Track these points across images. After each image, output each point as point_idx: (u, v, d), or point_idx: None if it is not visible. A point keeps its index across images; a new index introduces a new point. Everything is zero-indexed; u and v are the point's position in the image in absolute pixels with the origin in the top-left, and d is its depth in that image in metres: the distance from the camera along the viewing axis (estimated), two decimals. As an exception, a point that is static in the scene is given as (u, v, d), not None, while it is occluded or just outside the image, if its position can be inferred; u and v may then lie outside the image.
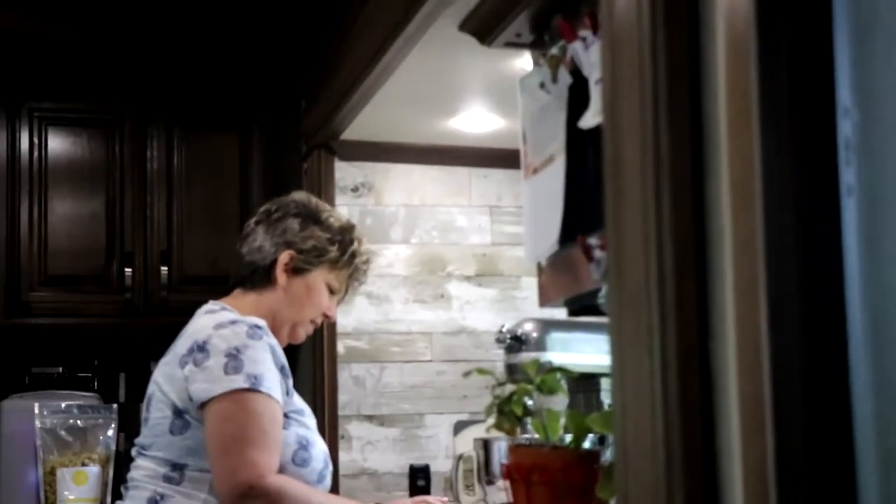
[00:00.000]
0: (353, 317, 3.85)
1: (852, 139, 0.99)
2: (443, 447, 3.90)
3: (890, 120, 0.97)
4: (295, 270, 2.64)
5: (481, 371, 2.17)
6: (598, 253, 1.78)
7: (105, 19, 3.99)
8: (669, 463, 1.13)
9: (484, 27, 2.36)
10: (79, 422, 3.98)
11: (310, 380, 3.74)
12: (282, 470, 2.39)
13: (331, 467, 2.59)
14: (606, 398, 3.25)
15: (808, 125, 1.02)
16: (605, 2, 1.32)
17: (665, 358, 1.14)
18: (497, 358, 3.64)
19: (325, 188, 3.84)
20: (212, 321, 2.47)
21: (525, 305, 4.02)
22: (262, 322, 2.47)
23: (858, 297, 0.99)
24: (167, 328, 3.91)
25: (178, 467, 2.42)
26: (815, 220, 1.02)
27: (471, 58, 2.99)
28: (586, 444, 1.95)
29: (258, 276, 2.64)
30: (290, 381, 2.48)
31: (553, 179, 2.01)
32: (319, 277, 2.66)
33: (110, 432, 4.00)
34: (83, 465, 3.92)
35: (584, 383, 2.94)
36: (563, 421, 2.00)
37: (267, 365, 2.40)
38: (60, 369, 4.30)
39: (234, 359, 2.37)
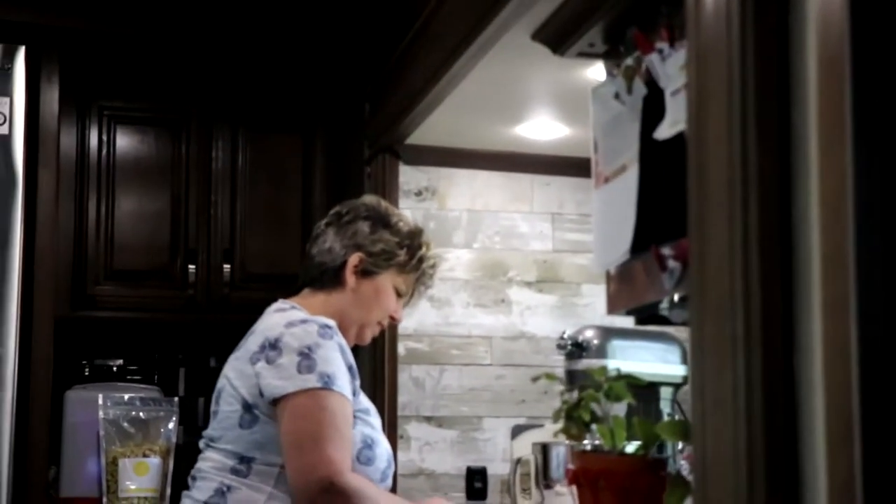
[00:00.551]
0: (415, 319, 3.88)
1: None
2: (500, 450, 3.92)
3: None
4: (364, 273, 2.67)
5: (550, 377, 2.20)
6: (671, 263, 1.80)
7: (174, 21, 4.04)
8: (751, 474, 1.15)
9: (557, 37, 2.38)
10: (141, 414, 4.04)
11: (370, 380, 3.77)
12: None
13: (393, 467, 2.63)
14: (666, 407, 3.26)
15: (903, 142, 1.04)
16: (691, 11, 1.33)
17: (749, 369, 1.16)
18: (556, 364, 3.66)
19: (389, 191, 3.87)
20: (283, 319, 2.51)
21: (585, 312, 4.04)
22: (331, 322, 2.51)
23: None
24: (228, 325, 3.99)
25: (245, 460, 2.46)
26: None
27: (539, 66, 3.01)
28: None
29: (327, 277, 2.68)
30: (357, 381, 2.52)
31: (625, 189, 2.03)
32: (387, 280, 2.69)
33: (171, 425, 4.05)
34: (144, 456, 3.98)
35: (643, 392, 2.95)
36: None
37: (338, 364, 2.44)
38: (121, 362, 4.37)
39: (306, 357, 2.41)
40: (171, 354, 4.55)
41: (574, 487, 2.00)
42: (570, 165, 4.02)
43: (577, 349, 3.16)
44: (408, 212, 3.75)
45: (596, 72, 2.91)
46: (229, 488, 2.46)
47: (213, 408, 2.60)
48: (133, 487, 3.93)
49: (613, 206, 2.08)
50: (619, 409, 2.46)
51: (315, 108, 4.33)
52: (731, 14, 1.23)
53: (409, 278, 2.73)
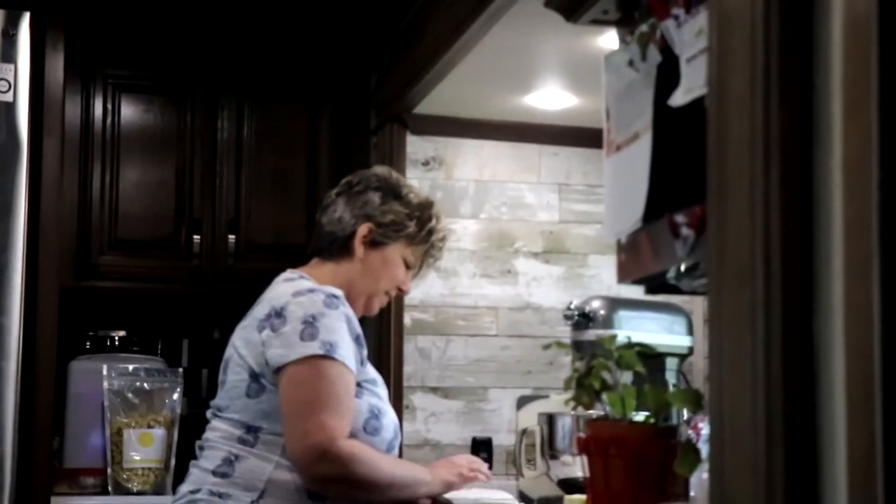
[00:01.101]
0: (421, 289, 3.88)
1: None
2: (505, 421, 3.93)
3: None
4: (373, 243, 2.67)
5: (560, 345, 2.19)
6: (685, 230, 1.79)
7: (181, -12, 4.04)
8: (770, 440, 1.14)
9: (571, 4, 2.36)
10: (145, 385, 4.05)
11: (376, 351, 3.77)
12: (353, 437, 2.43)
13: (399, 437, 2.63)
14: (671, 377, 3.27)
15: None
16: (711, -25, 1.32)
17: (769, 334, 1.15)
18: (561, 335, 3.66)
19: (396, 161, 3.86)
20: (290, 288, 2.51)
21: (591, 283, 4.04)
22: (339, 291, 2.50)
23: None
24: (232, 295, 4.00)
25: (252, 430, 2.47)
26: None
27: (550, 34, 2.99)
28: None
29: (336, 247, 2.67)
30: (365, 351, 2.52)
31: (638, 157, 2.01)
32: (396, 251, 2.69)
33: (175, 396, 4.06)
34: (149, 427, 3.99)
35: (649, 362, 2.95)
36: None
37: (342, 333, 2.44)
38: (123, 333, 4.36)
39: (310, 326, 2.41)
40: (175, 325, 4.54)
41: (584, 456, 1.99)
42: (578, 136, 4.01)
43: (583, 319, 3.16)
44: (415, 181, 3.74)
45: (606, 40, 2.89)
46: (237, 457, 2.46)
47: (220, 377, 2.60)
48: (137, 458, 3.95)
49: (625, 174, 2.07)
50: (625, 378, 2.46)
51: (321, 77, 4.31)
52: (753, -25, 1.22)
53: (417, 250, 2.72)
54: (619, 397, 1.98)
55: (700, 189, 1.51)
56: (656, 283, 2.13)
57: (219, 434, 2.52)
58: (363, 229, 2.66)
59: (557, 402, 3.35)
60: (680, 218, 1.79)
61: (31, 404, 3.64)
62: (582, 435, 2.04)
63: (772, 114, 1.18)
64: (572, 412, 2.87)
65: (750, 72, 1.21)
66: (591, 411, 2.27)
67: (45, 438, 3.71)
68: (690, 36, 1.81)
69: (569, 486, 2.95)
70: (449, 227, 2.85)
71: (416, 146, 4.00)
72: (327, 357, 2.40)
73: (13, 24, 3.60)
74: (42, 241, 3.70)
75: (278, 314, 2.45)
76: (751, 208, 1.19)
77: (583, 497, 2.33)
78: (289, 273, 2.65)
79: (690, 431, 2.43)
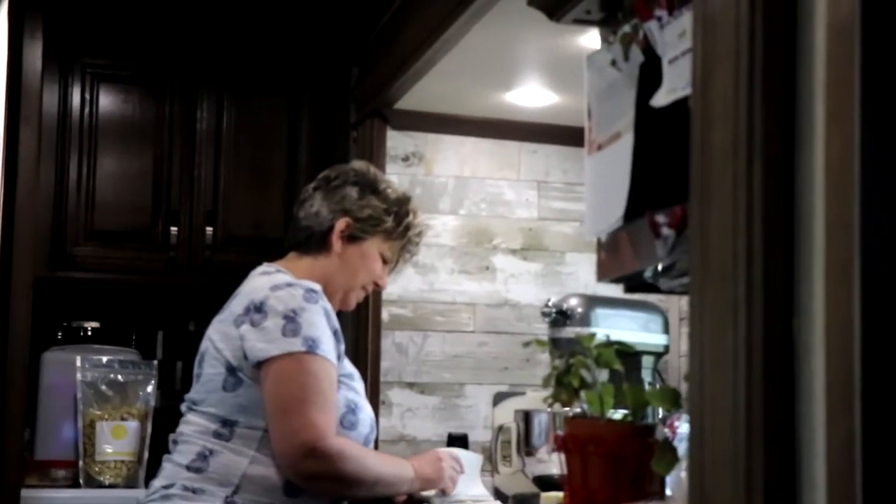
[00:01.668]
0: (399, 285, 3.87)
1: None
2: (481, 417, 3.93)
3: None
4: (350, 238, 2.67)
5: (540, 342, 2.20)
6: (665, 230, 1.79)
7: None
8: (750, 438, 1.15)
9: (554, 3, 2.36)
10: (119, 377, 4.02)
11: (353, 345, 3.77)
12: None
13: (375, 432, 2.63)
14: (647, 376, 3.28)
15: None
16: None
17: (750, 333, 1.16)
18: (539, 332, 3.67)
19: (376, 156, 3.86)
20: (268, 282, 2.50)
21: (569, 281, 4.05)
22: (317, 286, 2.50)
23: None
24: (209, 288, 3.98)
25: (228, 423, 2.45)
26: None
27: (532, 33, 3.00)
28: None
29: (314, 241, 2.67)
30: (342, 346, 2.52)
31: (619, 156, 2.02)
32: (374, 246, 2.69)
33: (150, 388, 4.04)
34: (122, 419, 3.97)
35: (625, 360, 2.96)
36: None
37: (322, 328, 2.43)
38: (97, 324, 4.34)
39: (291, 321, 2.40)
40: (150, 317, 4.53)
41: (562, 453, 2.00)
42: (558, 133, 4.02)
43: (561, 317, 3.16)
44: (394, 177, 3.74)
45: (588, 40, 2.90)
46: (212, 452, 2.45)
47: (195, 370, 2.59)
48: (110, 451, 3.92)
49: (606, 173, 2.07)
50: (601, 376, 2.47)
51: (301, 70, 4.31)
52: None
53: (395, 245, 2.72)
54: (597, 395, 1.99)
55: (681, 189, 1.52)
56: (635, 282, 2.14)
57: (193, 428, 2.51)
58: (341, 224, 2.66)
59: (534, 398, 3.36)
60: (661, 218, 1.80)
61: (3, 395, 3.61)
62: (560, 432, 2.04)
63: (755, 116, 1.19)
64: (549, 409, 2.89)
65: (734, 74, 1.22)
66: (567, 409, 2.28)
67: (16, 430, 3.68)
68: (673, 37, 1.82)
69: (544, 483, 2.96)
70: (426, 223, 2.85)
71: (397, 141, 4.00)
72: (310, 353, 2.39)
73: (-9, 12, 3.58)
74: (17, 230, 3.67)
75: (258, 308, 2.44)
76: (733, 209, 1.20)
77: (559, 494, 2.34)
78: (265, 266, 2.64)
79: (666, 430, 2.44)
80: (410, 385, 3.94)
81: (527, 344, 2.20)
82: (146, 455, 3.97)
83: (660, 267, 1.90)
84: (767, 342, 1.15)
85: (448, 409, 3.95)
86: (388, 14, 3.65)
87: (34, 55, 3.75)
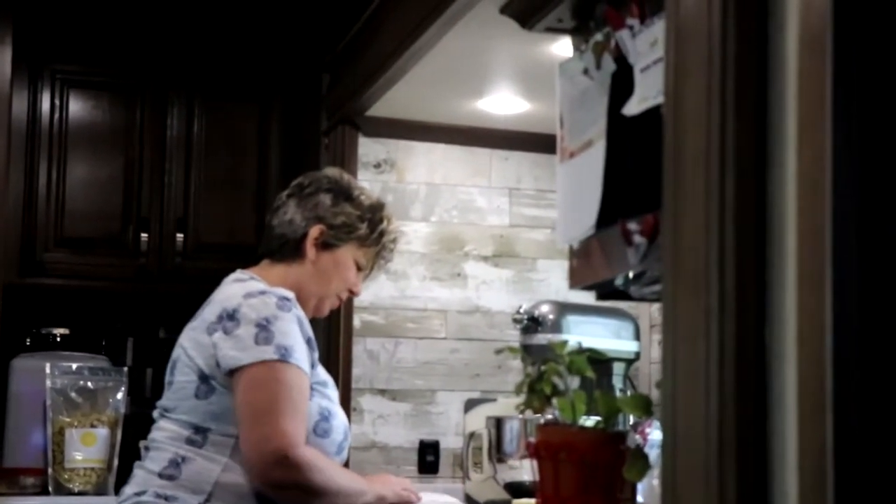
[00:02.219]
0: (371, 291, 3.87)
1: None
2: (453, 424, 3.93)
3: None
4: (324, 245, 2.66)
5: (513, 350, 2.20)
6: (637, 238, 1.80)
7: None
8: (722, 447, 1.16)
9: (526, 11, 2.38)
10: (89, 384, 4.00)
11: (325, 352, 3.76)
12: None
13: (349, 440, 2.63)
14: (618, 382, 3.29)
15: (884, 123, 1.04)
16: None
17: (722, 342, 1.17)
18: (510, 338, 3.67)
19: (347, 163, 3.86)
20: (241, 290, 2.50)
21: (540, 287, 4.05)
22: (290, 294, 2.49)
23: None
24: (180, 295, 3.98)
25: (201, 430, 2.45)
26: (885, 214, 1.04)
27: (504, 41, 3.01)
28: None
29: (287, 249, 2.66)
30: (316, 354, 2.51)
31: (591, 164, 2.03)
32: (348, 253, 2.69)
33: (119, 395, 4.02)
34: (92, 426, 3.95)
35: (597, 366, 2.98)
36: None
37: (295, 337, 2.43)
38: (66, 330, 4.32)
39: (264, 329, 2.40)
40: (120, 324, 4.51)
41: (534, 460, 2.00)
42: (529, 141, 4.03)
43: (532, 324, 3.17)
44: (366, 184, 3.72)
45: (560, 48, 2.91)
46: (184, 459, 2.44)
47: (167, 378, 2.57)
48: (80, 458, 3.91)
49: (579, 180, 2.08)
50: (573, 383, 2.47)
51: (272, 77, 4.30)
52: (711, -11, 1.23)
53: (369, 252, 2.72)
54: (569, 402, 2.00)
55: (653, 197, 1.53)
56: (607, 289, 2.15)
57: (166, 434, 2.50)
58: (315, 231, 2.66)
59: (505, 405, 3.37)
60: (633, 225, 1.81)
61: (-28, 402, 3.60)
62: (532, 439, 2.05)
63: (727, 125, 1.20)
64: (521, 416, 2.90)
65: (706, 84, 1.23)
66: (539, 415, 2.29)
67: (-15, 437, 3.66)
68: (645, 46, 1.83)
69: (516, 489, 2.97)
70: (400, 229, 2.85)
71: (368, 148, 4.00)
72: (283, 361, 2.39)
73: (-39, 17, 3.56)
74: (-14, 236, 3.66)
75: (230, 316, 2.43)
76: (706, 218, 1.21)
77: (530, 501, 2.35)
78: (239, 273, 2.63)
79: (637, 436, 2.45)
80: (382, 392, 3.93)
81: (499, 351, 2.21)
82: (116, 462, 3.96)
83: (631, 274, 1.91)
84: (739, 351, 1.16)
85: (420, 415, 3.95)
86: (360, 21, 3.65)
87: (3, 61, 3.75)
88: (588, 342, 3.00)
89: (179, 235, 4.18)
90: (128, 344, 4.49)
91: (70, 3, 4.11)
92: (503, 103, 3.77)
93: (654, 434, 2.43)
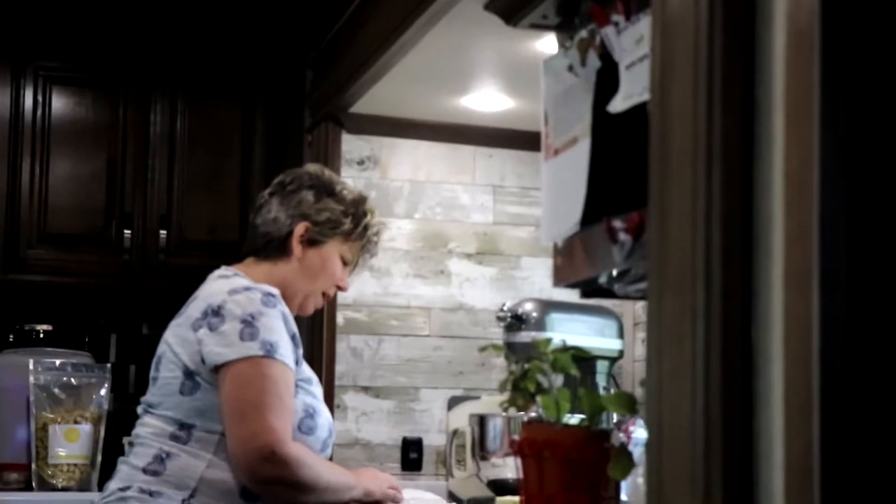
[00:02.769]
0: (354, 288, 3.84)
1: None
2: (436, 421, 3.93)
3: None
4: (310, 242, 2.66)
5: (496, 348, 2.20)
6: (622, 235, 1.80)
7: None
8: (708, 444, 1.16)
9: (510, 8, 2.37)
10: (73, 380, 4.00)
11: (308, 349, 3.74)
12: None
13: (333, 436, 2.63)
14: (601, 380, 3.29)
15: (872, 120, 1.04)
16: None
17: (708, 341, 1.17)
18: (494, 336, 3.67)
19: (331, 160, 3.85)
20: (226, 286, 2.49)
21: (524, 285, 4.05)
22: (275, 290, 2.49)
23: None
24: (163, 291, 3.97)
25: (185, 427, 2.44)
26: (873, 212, 1.04)
27: (488, 37, 3.00)
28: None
29: (273, 247, 2.66)
30: (300, 350, 2.51)
31: (576, 161, 2.02)
32: (333, 249, 2.68)
33: (103, 391, 4.02)
34: (75, 422, 3.94)
35: (580, 364, 2.98)
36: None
37: (280, 333, 2.43)
38: (49, 326, 4.31)
39: (249, 325, 2.39)
40: (103, 320, 4.49)
41: (517, 458, 2.00)
42: (513, 138, 4.03)
43: (516, 321, 3.17)
44: (350, 181, 3.72)
45: (544, 44, 2.91)
46: (168, 455, 2.44)
47: (152, 374, 2.57)
48: (63, 454, 3.90)
49: (563, 178, 2.08)
50: (556, 381, 2.47)
51: (256, 74, 4.30)
52: (697, -14, 1.23)
53: (354, 246, 2.72)
54: (553, 400, 1.99)
55: (638, 195, 1.52)
56: (591, 287, 2.15)
57: (150, 430, 2.49)
58: (300, 228, 2.65)
59: (489, 403, 3.37)
60: (618, 223, 1.81)
61: (-46, 399, 3.58)
62: (515, 437, 2.04)
63: (714, 122, 1.19)
64: (504, 413, 2.89)
65: (693, 80, 1.22)
66: (522, 413, 2.28)
67: (-32, 433, 3.65)
68: (630, 43, 1.82)
69: (499, 487, 2.96)
70: (382, 221, 2.85)
71: (352, 145, 3.99)
72: (268, 357, 2.38)
73: (-58, 13, 3.54)
74: (-31, 233, 3.65)
75: (215, 312, 2.43)
76: (692, 216, 1.20)
77: (514, 499, 2.34)
78: (223, 270, 2.63)
79: (621, 434, 2.45)
80: (365, 389, 3.93)
81: (483, 349, 2.20)
82: (99, 458, 3.96)
83: (615, 272, 1.91)
84: (726, 350, 1.16)
85: (403, 412, 3.94)
86: (344, 18, 3.64)
87: (-14, 58, 3.73)
88: (572, 340, 3.00)
89: (163, 232, 4.18)
90: (111, 340, 4.49)
91: (53, -1, 4.09)
92: (487, 100, 3.77)
93: (638, 432, 2.43)
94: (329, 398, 3.76)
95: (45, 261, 4.10)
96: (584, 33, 2.04)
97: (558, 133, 2.14)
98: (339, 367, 3.89)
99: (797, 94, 1.11)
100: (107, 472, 2.75)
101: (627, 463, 1.82)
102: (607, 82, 1.92)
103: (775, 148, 1.15)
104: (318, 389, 2.59)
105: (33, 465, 3.90)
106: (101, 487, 2.77)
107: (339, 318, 3.90)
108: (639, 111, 1.67)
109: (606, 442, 1.94)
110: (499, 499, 2.59)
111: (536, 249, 4.03)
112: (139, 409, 2.57)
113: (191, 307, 2.52)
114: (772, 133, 1.16)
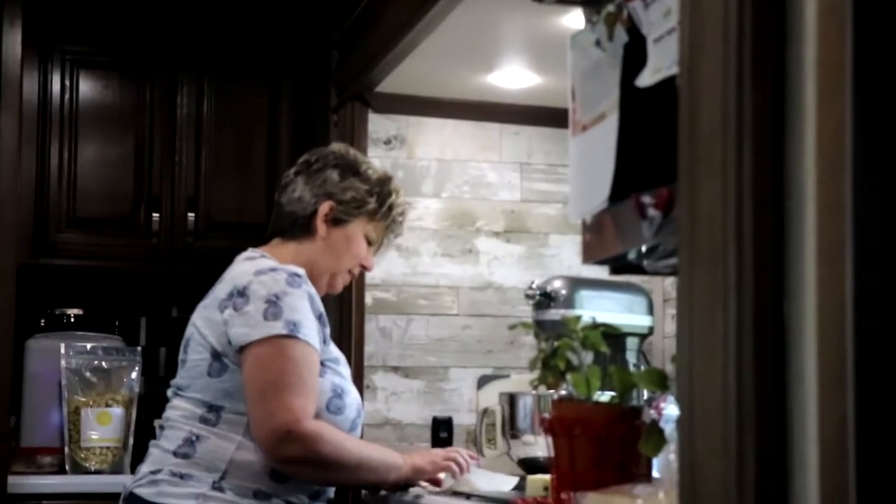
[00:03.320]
0: (382, 268, 3.86)
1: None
2: (466, 401, 3.92)
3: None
4: (335, 221, 2.66)
5: (526, 325, 2.19)
6: (651, 211, 1.78)
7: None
8: (741, 419, 1.15)
9: (536, -16, 2.36)
10: (104, 363, 4.02)
11: (337, 330, 3.76)
12: (316, 417, 2.42)
13: (363, 416, 2.63)
14: (631, 357, 3.28)
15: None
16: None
17: (740, 316, 1.15)
18: (522, 314, 3.66)
19: (357, 140, 3.84)
20: (252, 267, 2.49)
21: (552, 263, 4.04)
22: (301, 270, 2.49)
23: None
24: (191, 273, 3.99)
25: (214, 409, 2.45)
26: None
27: (515, 14, 2.99)
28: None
29: (298, 227, 2.66)
30: (327, 330, 2.51)
31: (604, 137, 2.01)
32: (358, 228, 2.68)
33: (134, 375, 4.04)
34: (107, 406, 3.96)
35: (610, 341, 2.96)
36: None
37: (305, 312, 2.42)
38: (80, 311, 4.33)
39: (273, 305, 2.39)
40: (133, 303, 4.51)
41: (548, 436, 1.99)
42: (540, 115, 4.01)
43: (545, 299, 3.16)
44: (376, 160, 3.72)
45: (571, 20, 2.89)
46: (198, 437, 2.45)
47: (181, 356, 2.58)
48: (95, 437, 3.92)
49: (591, 154, 2.06)
50: (586, 359, 2.46)
51: (281, 54, 4.29)
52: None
53: (379, 226, 2.72)
54: (583, 378, 1.98)
55: (667, 170, 1.51)
56: (620, 264, 2.13)
57: (180, 413, 2.50)
58: (324, 207, 2.65)
59: (518, 381, 3.36)
60: (647, 199, 1.79)
61: (-12, 383, 3.61)
62: (546, 415, 2.04)
63: (744, 95, 1.18)
64: (534, 392, 2.89)
65: (722, 53, 1.21)
66: (551, 391, 2.28)
67: (2, 417, 3.68)
68: (658, 16, 1.80)
69: (530, 465, 2.95)
70: (408, 201, 2.84)
71: (378, 125, 3.98)
72: (291, 336, 2.39)
73: (-31, -1, 3.55)
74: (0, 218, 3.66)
75: (241, 293, 2.43)
76: (723, 191, 1.19)
77: (545, 477, 2.34)
78: (250, 252, 2.63)
79: (652, 411, 2.44)
80: (395, 369, 3.93)
81: (513, 327, 2.20)
82: (131, 441, 3.98)
83: (644, 248, 1.89)
84: (758, 325, 1.14)
85: (432, 392, 3.94)
86: (367, -2, 3.64)
87: (14, 42, 3.74)
88: (601, 317, 2.99)
89: (191, 215, 4.18)
90: (141, 323, 4.51)
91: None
92: (514, 77, 3.75)
93: (670, 408, 2.42)
94: (358, 379, 3.77)
95: (75, 245, 4.12)
96: (610, 7, 2.03)
97: (586, 109, 2.12)
98: (368, 348, 3.89)
99: (829, 66, 1.09)
100: (139, 454, 2.76)
101: (659, 440, 1.81)
102: (635, 57, 1.90)
103: (807, 120, 1.13)
104: (345, 370, 2.59)
105: (66, 449, 3.93)
106: (133, 470, 2.79)
107: (368, 299, 3.90)
108: (667, 85, 1.65)
109: (637, 419, 1.93)
110: (530, 477, 2.58)
111: (564, 226, 4.01)
112: (169, 392, 2.58)
113: (217, 289, 2.53)
114: (803, 105, 1.14)
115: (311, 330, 2.43)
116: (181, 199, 4.19)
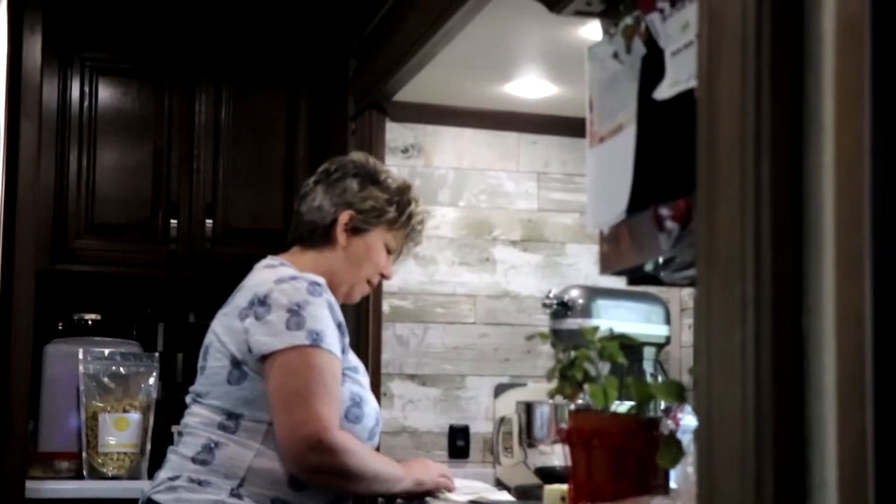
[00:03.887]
0: (399, 277, 3.86)
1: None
2: (483, 409, 3.93)
3: None
4: (354, 230, 2.67)
5: (543, 336, 2.20)
6: (669, 223, 1.79)
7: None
8: (759, 433, 1.15)
9: (555, -5, 2.37)
10: (121, 369, 4.04)
11: (354, 338, 3.76)
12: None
13: (381, 425, 2.64)
14: (648, 367, 3.27)
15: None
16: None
17: (759, 329, 1.15)
18: (539, 323, 3.67)
19: (375, 148, 3.85)
20: (272, 275, 2.50)
21: (569, 272, 4.04)
22: (321, 279, 2.50)
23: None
24: (209, 280, 4.00)
25: (233, 416, 2.46)
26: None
27: (532, 24, 2.99)
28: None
29: (317, 235, 2.67)
30: (347, 339, 2.52)
31: (622, 148, 2.01)
32: (378, 237, 2.69)
33: (151, 380, 4.05)
34: (125, 411, 3.98)
35: (627, 351, 2.96)
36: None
37: (327, 322, 2.43)
38: (98, 316, 4.35)
39: (295, 314, 2.40)
40: (150, 309, 4.53)
41: (566, 446, 2.00)
42: (557, 124, 4.02)
43: (562, 308, 3.16)
44: (394, 169, 3.73)
45: (588, 31, 2.90)
46: (217, 444, 2.45)
47: (200, 363, 2.59)
48: (113, 442, 3.94)
49: (609, 165, 2.07)
50: (604, 369, 2.46)
51: (299, 63, 4.30)
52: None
53: (398, 235, 2.73)
54: (601, 389, 1.99)
55: (685, 182, 1.51)
56: (638, 275, 2.14)
57: (198, 420, 2.51)
58: (344, 217, 2.66)
59: (535, 390, 3.36)
60: (664, 211, 1.80)
61: (6, 387, 3.62)
62: (563, 425, 2.04)
63: (763, 109, 1.18)
64: (551, 401, 2.89)
65: (741, 67, 1.21)
66: (567, 401, 2.28)
67: (20, 422, 3.69)
68: (676, 29, 1.81)
69: (546, 474, 2.95)
70: (427, 210, 2.85)
71: (396, 133, 3.99)
72: (314, 346, 2.40)
73: (-10, 6, 3.57)
74: (18, 224, 3.68)
75: (262, 302, 2.44)
76: (741, 204, 1.19)
77: (562, 486, 2.34)
78: (269, 260, 2.64)
79: (670, 422, 2.44)
80: (412, 377, 3.93)
81: (530, 337, 2.20)
82: (149, 447, 3.99)
83: (661, 260, 1.90)
84: (776, 339, 1.14)
85: (449, 400, 3.95)
86: (387, 5, 3.64)
87: (34, 49, 3.75)
88: (618, 327, 2.99)
89: (208, 221, 4.20)
90: (158, 329, 4.53)
91: (99, -10, 4.12)
92: (531, 87, 3.76)
93: (687, 420, 2.42)
94: (375, 386, 3.77)
95: (93, 251, 4.13)
96: (628, 20, 2.03)
97: (603, 121, 2.13)
98: (385, 356, 3.90)
99: (847, 80, 1.09)
100: (156, 460, 2.77)
101: (676, 451, 1.82)
102: (653, 69, 1.90)
103: (825, 135, 1.13)
104: (364, 378, 2.59)
105: (84, 454, 3.94)
106: (150, 476, 2.80)
107: (385, 307, 3.91)
108: (684, 98, 1.66)
109: (655, 430, 1.93)
110: (547, 487, 2.58)
111: (581, 236, 4.02)
112: (187, 399, 2.59)
113: (237, 297, 2.53)
114: (822, 120, 1.14)
115: (333, 339, 2.44)
116: (199, 205, 4.20)
